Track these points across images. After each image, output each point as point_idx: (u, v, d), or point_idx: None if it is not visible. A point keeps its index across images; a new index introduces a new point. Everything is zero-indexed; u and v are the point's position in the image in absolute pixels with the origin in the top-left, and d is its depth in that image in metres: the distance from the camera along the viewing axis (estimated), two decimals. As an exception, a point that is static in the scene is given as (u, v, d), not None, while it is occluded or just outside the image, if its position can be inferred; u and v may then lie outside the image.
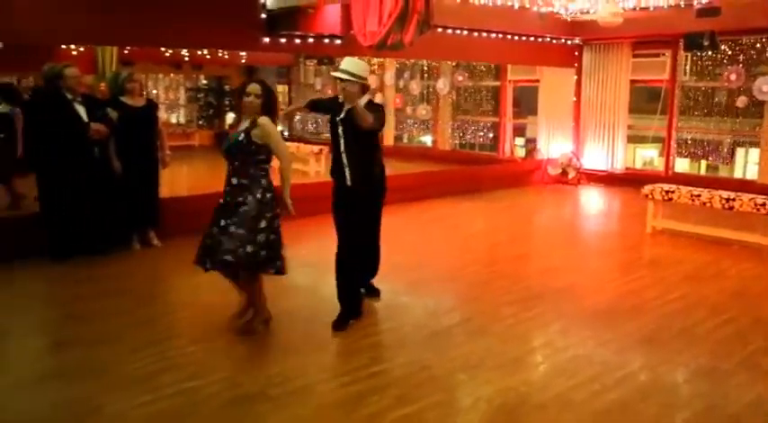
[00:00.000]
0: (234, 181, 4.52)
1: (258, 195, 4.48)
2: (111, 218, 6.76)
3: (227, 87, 19.50)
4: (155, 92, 20.70)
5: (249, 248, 4.39)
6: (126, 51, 12.29)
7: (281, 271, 4.65)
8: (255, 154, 4.49)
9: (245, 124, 4.51)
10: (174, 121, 20.93)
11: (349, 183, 5.10)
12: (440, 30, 9.76)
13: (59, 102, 6.28)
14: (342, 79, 4.79)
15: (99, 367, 4.21)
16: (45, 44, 9.53)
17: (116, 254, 6.70)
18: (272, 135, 4.50)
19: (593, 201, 11.16)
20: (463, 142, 15.21)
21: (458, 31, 10.36)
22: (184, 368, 4.18)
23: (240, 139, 4.45)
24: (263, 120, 4.46)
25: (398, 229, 8.60)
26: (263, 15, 8.26)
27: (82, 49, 11.84)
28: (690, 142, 11.72)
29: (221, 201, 4.54)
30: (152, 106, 7.19)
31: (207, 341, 4.57)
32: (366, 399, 3.79)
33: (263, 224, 4.47)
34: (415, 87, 15.49)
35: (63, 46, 11.24)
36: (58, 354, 4.50)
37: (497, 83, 14.28)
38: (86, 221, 6.48)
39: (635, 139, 13.96)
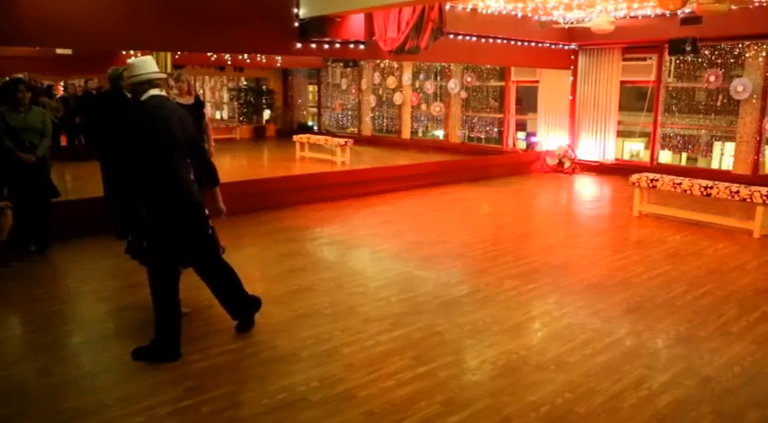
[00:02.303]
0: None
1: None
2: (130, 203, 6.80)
3: (264, 87, 19.53)
4: (201, 91, 20.76)
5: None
6: (177, 56, 12.32)
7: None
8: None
9: None
10: (218, 117, 21.01)
11: None
12: (452, 36, 9.71)
13: (121, 100, 6.32)
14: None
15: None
16: (108, 51, 9.61)
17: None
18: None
19: (586, 188, 11.07)
20: (471, 135, 15.15)
21: (468, 38, 10.30)
22: (227, 332, 4.22)
23: None
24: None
25: (416, 211, 8.63)
26: (297, 24, 8.25)
27: (140, 54, 11.91)
28: (672, 137, 11.60)
29: None
30: (199, 104, 7.16)
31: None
32: (388, 359, 3.82)
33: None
34: (429, 87, 15.42)
35: (123, 52, 11.35)
36: (120, 316, 4.58)
37: (502, 83, 14.19)
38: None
39: (624, 133, 13.81)
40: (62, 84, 15.11)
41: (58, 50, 11.40)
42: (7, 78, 8.73)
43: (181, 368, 3.68)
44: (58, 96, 13.22)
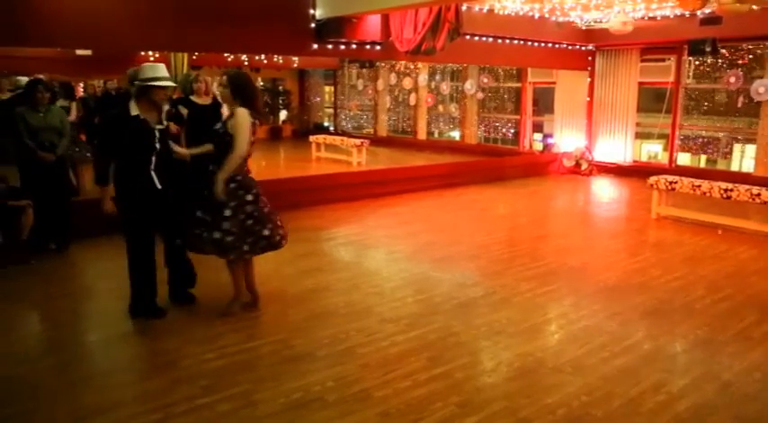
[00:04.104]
0: (211, 167, 4.25)
1: (238, 181, 4.25)
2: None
3: (280, 88, 19.60)
4: (218, 92, 20.84)
5: (216, 235, 4.20)
6: (195, 57, 12.42)
7: (239, 254, 4.36)
8: (229, 144, 4.19)
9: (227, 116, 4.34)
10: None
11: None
12: (468, 37, 9.69)
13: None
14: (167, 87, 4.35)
15: (172, 328, 4.31)
16: (127, 51, 9.70)
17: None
18: (240, 125, 4.17)
19: (603, 189, 10.99)
20: (487, 137, 15.10)
21: (484, 38, 10.27)
22: (244, 331, 4.24)
23: (218, 128, 4.26)
24: (240, 110, 4.20)
25: (432, 212, 8.61)
26: (313, 24, 8.27)
27: (158, 55, 12.02)
28: (691, 138, 11.47)
29: (197, 185, 4.31)
30: (217, 104, 7.22)
31: (263, 307, 4.61)
32: (403, 360, 3.81)
33: (227, 212, 4.22)
34: (445, 88, 15.40)
35: (142, 52, 11.45)
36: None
37: (518, 84, 14.12)
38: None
39: (641, 135, 13.65)
40: (82, 84, 15.27)
41: (78, 51, 11.54)
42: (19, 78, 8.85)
43: (198, 367, 3.70)
44: (77, 97, 13.37)
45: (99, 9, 6.71)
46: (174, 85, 4.56)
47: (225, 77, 4.33)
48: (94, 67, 13.17)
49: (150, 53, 11.83)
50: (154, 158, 4.33)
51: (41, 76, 6.72)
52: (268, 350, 3.95)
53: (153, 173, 4.33)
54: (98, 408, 3.23)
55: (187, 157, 4.54)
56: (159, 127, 4.33)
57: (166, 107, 4.59)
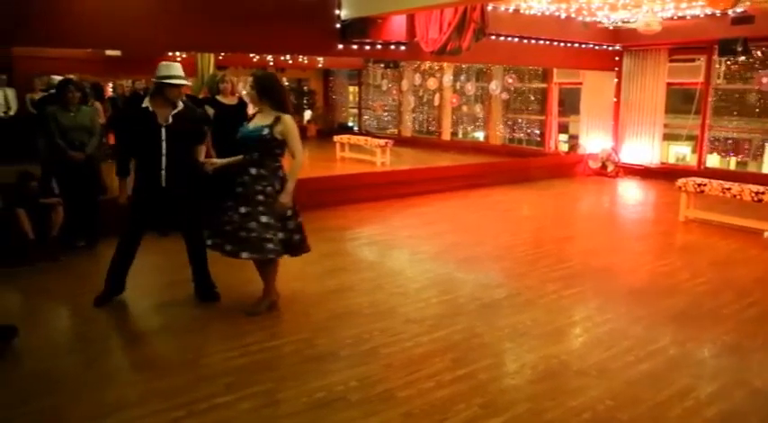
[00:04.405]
0: (253, 171, 4.27)
1: (278, 186, 4.29)
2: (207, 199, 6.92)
3: (305, 88, 19.69)
4: (244, 92, 21.04)
5: (280, 234, 4.30)
6: (221, 57, 12.53)
7: (308, 249, 4.56)
8: (276, 147, 4.29)
9: (267, 119, 4.27)
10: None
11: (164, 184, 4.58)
12: (494, 37, 9.63)
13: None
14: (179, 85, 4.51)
15: (197, 325, 4.36)
16: (155, 52, 9.82)
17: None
18: (291, 132, 4.28)
19: (630, 192, 10.85)
20: (512, 137, 15.00)
21: (510, 38, 10.20)
22: (267, 329, 4.26)
23: (264, 134, 4.22)
24: (287, 117, 4.27)
25: (456, 213, 8.59)
26: (338, 25, 8.29)
27: (185, 55, 12.17)
28: (721, 140, 11.27)
29: (239, 189, 4.29)
30: (243, 104, 7.30)
31: (286, 307, 4.63)
32: (427, 360, 3.80)
33: (289, 212, 4.37)
34: (470, 88, 15.33)
35: (169, 53, 11.59)
36: (163, 312, 4.66)
37: (544, 85, 14.01)
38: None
39: (669, 136, 13.45)
40: (111, 85, 15.51)
41: (108, 52, 11.73)
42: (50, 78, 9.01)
43: (221, 364, 3.73)
44: (106, 97, 13.59)
45: (129, 11, 6.82)
46: (187, 83, 4.71)
47: (251, 78, 4.39)
48: (123, 67, 13.37)
49: (178, 53, 11.98)
50: (164, 158, 4.45)
51: (72, 77, 6.84)
52: (291, 349, 3.96)
53: (163, 172, 4.47)
54: (123, 403, 3.27)
55: (209, 168, 4.58)
56: (167, 123, 4.44)
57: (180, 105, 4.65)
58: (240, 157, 4.44)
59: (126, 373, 3.70)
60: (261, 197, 4.25)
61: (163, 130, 4.45)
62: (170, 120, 4.47)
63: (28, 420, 3.13)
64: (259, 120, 4.32)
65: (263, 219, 4.23)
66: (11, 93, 11.41)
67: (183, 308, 4.67)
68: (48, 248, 5.89)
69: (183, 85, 4.53)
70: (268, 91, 4.30)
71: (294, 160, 4.36)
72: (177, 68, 4.49)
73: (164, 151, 4.46)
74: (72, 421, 3.11)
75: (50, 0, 6.36)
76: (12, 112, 11.34)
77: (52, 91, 8.15)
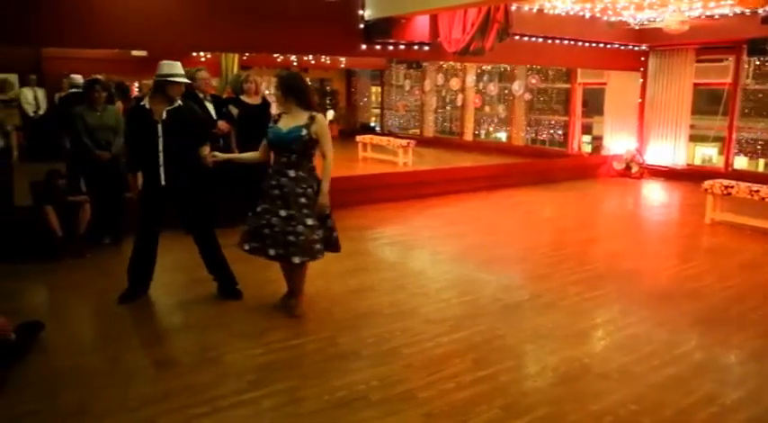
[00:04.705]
0: (291, 173, 4.21)
1: (316, 186, 4.26)
2: (230, 198, 6.98)
3: (328, 88, 19.76)
4: (267, 92, 21.17)
5: (321, 233, 4.29)
6: (245, 57, 12.63)
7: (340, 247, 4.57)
8: (312, 148, 4.27)
9: (300, 120, 4.22)
10: (282, 116, 21.38)
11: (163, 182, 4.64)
12: (517, 37, 9.57)
13: (194, 100, 6.51)
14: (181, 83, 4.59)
15: (220, 323, 4.39)
16: (180, 52, 9.93)
17: (235, 229, 6.91)
18: (325, 131, 4.27)
19: (654, 193, 10.71)
20: (535, 138, 14.89)
21: (533, 39, 10.13)
22: (289, 328, 4.28)
23: (303, 134, 4.16)
24: (320, 116, 4.27)
25: (478, 214, 8.55)
26: (362, 25, 8.31)
27: (209, 55, 12.28)
28: (750, 141, 11.07)
29: (276, 192, 4.22)
30: (266, 104, 7.34)
31: (308, 305, 4.63)
32: (448, 361, 3.80)
33: (328, 211, 4.35)
34: (493, 89, 15.26)
35: (194, 53, 11.71)
36: (186, 309, 4.71)
37: (567, 85, 13.89)
38: (211, 200, 6.70)
39: (696, 137, 13.24)
40: (137, 84, 15.71)
41: (134, 53, 11.88)
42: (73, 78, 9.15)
43: (244, 362, 3.76)
44: (132, 96, 13.78)
45: (155, 12, 6.91)
46: (187, 81, 4.80)
47: (276, 79, 4.41)
48: (149, 67, 13.52)
49: (202, 54, 12.09)
50: (162, 155, 4.53)
51: (99, 77, 6.95)
52: (313, 348, 3.98)
53: (161, 168, 4.56)
54: (149, 398, 3.32)
55: (210, 162, 4.65)
56: (162, 120, 4.52)
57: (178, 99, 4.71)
58: (248, 154, 4.60)
59: (150, 369, 3.74)
60: (303, 200, 4.20)
61: (159, 127, 4.53)
62: (164, 115, 4.54)
63: (56, 414, 3.18)
64: (290, 120, 4.25)
65: (309, 221, 4.20)
66: (41, 92, 11.64)
67: (205, 305, 4.72)
68: (75, 245, 5.99)
69: (183, 82, 4.62)
70: (294, 90, 4.28)
71: (325, 160, 4.33)
72: (179, 67, 4.60)
73: (161, 147, 4.53)
74: (98, 416, 3.16)
75: (79, 2, 6.47)
76: (41, 112, 11.57)
77: (73, 90, 8.30)
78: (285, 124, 4.26)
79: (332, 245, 4.48)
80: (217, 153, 4.77)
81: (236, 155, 4.77)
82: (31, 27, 6.32)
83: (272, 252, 4.26)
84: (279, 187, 4.23)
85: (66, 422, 3.12)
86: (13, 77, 11.68)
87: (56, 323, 4.29)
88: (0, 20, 6.09)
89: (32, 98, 11.59)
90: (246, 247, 4.38)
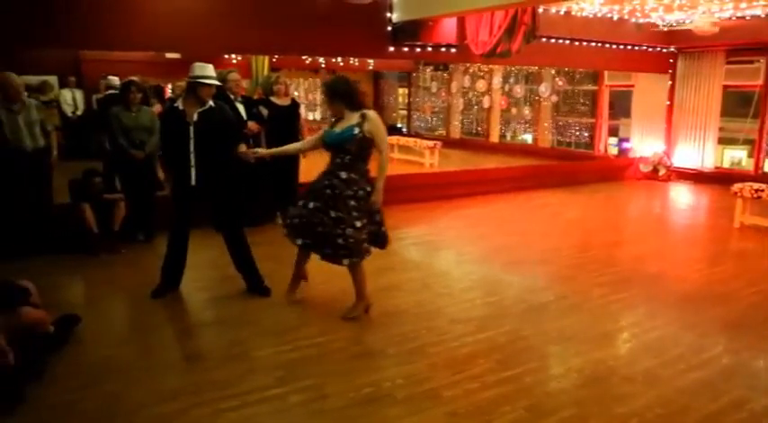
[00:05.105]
0: (343, 175, 4.17)
1: (368, 188, 4.20)
2: (260, 197, 7.05)
3: (355, 90, 19.75)
4: (296, 93, 21.32)
5: (369, 229, 4.27)
6: (275, 59, 12.72)
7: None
8: (368, 147, 4.19)
9: (352, 120, 4.18)
10: (311, 118, 21.50)
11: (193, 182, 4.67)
12: (544, 39, 9.48)
13: (225, 101, 6.58)
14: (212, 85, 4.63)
15: (248, 319, 4.43)
16: (212, 54, 10.04)
17: (263, 227, 6.99)
18: (378, 127, 4.18)
19: (682, 196, 10.51)
20: (561, 140, 14.74)
21: (560, 41, 10.02)
22: (316, 325, 4.30)
23: (356, 133, 4.11)
24: (371, 112, 4.18)
25: (503, 215, 8.50)
26: (389, 28, 8.31)
27: (240, 57, 12.41)
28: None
29: (328, 192, 4.19)
30: (295, 105, 7.40)
31: (334, 303, 4.65)
32: (472, 361, 3.78)
33: (378, 207, 4.30)
34: (519, 91, 15.14)
35: (226, 55, 11.85)
36: (217, 305, 4.75)
37: (594, 87, 13.71)
38: (241, 200, 6.77)
39: (724, 140, 12.96)
40: (170, 86, 15.94)
41: (168, 55, 12.06)
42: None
43: (272, 358, 3.79)
44: (166, 98, 13.98)
45: (188, 16, 7.00)
46: (218, 83, 4.82)
47: (323, 86, 4.42)
48: (182, 69, 13.71)
49: (233, 56, 12.22)
50: (193, 156, 4.57)
51: (135, 78, 7.06)
52: (340, 345, 4.00)
53: (192, 169, 4.60)
54: (180, 391, 3.36)
55: (252, 158, 4.70)
56: (194, 121, 4.55)
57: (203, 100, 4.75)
58: (289, 146, 4.70)
59: (181, 363, 3.79)
60: (353, 202, 4.15)
61: (191, 129, 4.57)
62: (195, 117, 4.58)
63: (92, 404, 3.25)
64: (344, 123, 4.21)
65: (358, 223, 4.17)
66: (79, 94, 11.89)
67: (235, 302, 4.77)
68: (110, 242, 6.10)
69: (214, 84, 4.66)
70: (340, 94, 4.22)
71: (380, 156, 4.21)
72: (210, 69, 4.63)
73: (192, 149, 4.58)
74: (131, 406, 3.21)
75: (116, 7, 6.58)
76: (79, 112, 11.81)
77: (110, 91, 8.45)
78: (341, 126, 4.23)
79: (379, 240, 4.41)
80: (259, 149, 4.79)
81: (278, 149, 4.80)
82: (71, 31, 6.45)
83: (327, 251, 4.25)
84: (330, 187, 4.19)
85: (103, 411, 3.18)
86: (53, 79, 11.93)
87: (91, 316, 4.37)
88: (42, 24, 6.23)
89: (71, 99, 11.85)
90: (300, 243, 4.35)
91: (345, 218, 4.15)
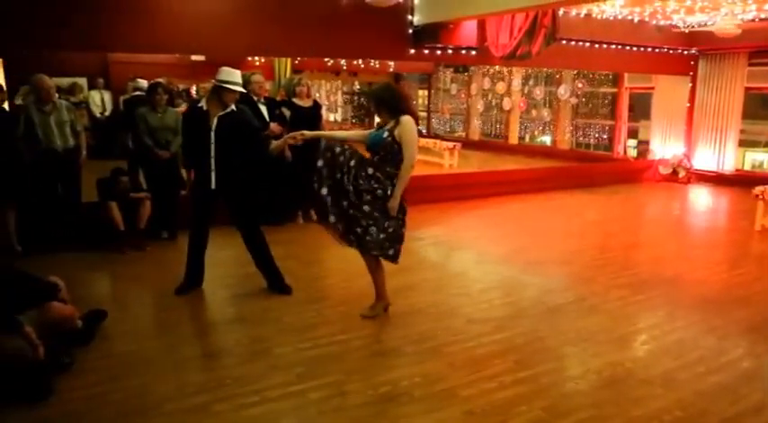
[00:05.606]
0: (369, 170, 4.13)
1: (388, 192, 4.11)
2: (281, 196, 7.08)
3: (376, 91, 19.80)
4: (318, 95, 21.41)
5: (381, 235, 4.20)
6: (297, 61, 12.78)
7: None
8: (398, 153, 4.08)
9: (389, 124, 4.15)
10: (332, 119, 21.58)
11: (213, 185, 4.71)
12: (564, 41, 9.40)
13: (248, 102, 6.63)
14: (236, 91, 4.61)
15: (269, 317, 4.45)
16: (236, 56, 10.12)
17: (285, 226, 7.03)
18: (406, 134, 4.07)
19: (702, 199, 10.36)
20: (580, 142, 14.60)
21: (580, 43, 9.92)
22: (336, 324, 4.31)
23: (385, 136, 4.09)
24: (405, 118, 4.09)
25: (522, 216, 8.44)
26: (411, 30, 8.30)
27: (263, 59, 12.48)
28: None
29: (356, 182, 4.16)
30: (317, 106, 7.42)
31: (354, 302, 4.65)
32: (489, 361, 3.76)
33: (394, 213, 4.17)
34: (539, 93, 15.03)
35: (249, 58, 11.93)
36: (240, 302, 4.78)
37: (614, 89, 13.56)
38: (263, 199, 6.81)
39: (746, 142, 12.76)
40: (194, 87, 16.09)
41: (193, 57, 12.19)
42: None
43: (293, 355, 3.80)
44: (190, 99, 14.12)
45: (213, 19, 7.06)
46: (242, 90, 4.78)
47: (367, 96, 4.36)
48: (206, 70, 13.84)
49: (257, 58, 12.30)
50: (213, 160, 4.60)
51: (161, 80, 7.15)
52: (359, 343, 4.00)
53: (213, 173, 4.63)
54: (202, 386, 3.39)
55: (289, 158, 4.70)
56: (214, 126, 4.56)
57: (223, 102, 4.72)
58: (335, 132, 4.66)
59: (203, 358, 3.83)
60: (368, 197, 4.11)
61: (212, 134, 4.59)
62: (215, 121, 4.59)
63: (118, 396, 3.29)
64: (384, 127, 4.21)
65: (387, 223, 4.16)
66: (107, 95, 12.06)
67: (256, 299, 4.79)
68: (135, 239, 6.18)
69: (238, 91, 4.63)
70: (383, 101, 4.17)
71: (404, 164, 4.10)
72: (237, 76, 4.63)
73: (212, 153, 4.61)
74: (156, 400, 3.25)
75: (143, 10, 6.66)
76: (107, 113, 11.98)
77: (137, 93, 8.55)
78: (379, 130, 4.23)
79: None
80: (305, 131, 4.60)
81: (325, 133, 4.73)
82: (100, 34, 6.54)
83: (349, 238, 4.24)
84: (356, 178, 4.15)
85: (128, 404, 3.21)
86: (82, 81, 12.12)
87: (117, 312, 4.42)
88: (73, 28, 6.34)
89: (99, 100, 12.02)
90: (332, 220, 4.23)
91: (366, 211, 4.11)
